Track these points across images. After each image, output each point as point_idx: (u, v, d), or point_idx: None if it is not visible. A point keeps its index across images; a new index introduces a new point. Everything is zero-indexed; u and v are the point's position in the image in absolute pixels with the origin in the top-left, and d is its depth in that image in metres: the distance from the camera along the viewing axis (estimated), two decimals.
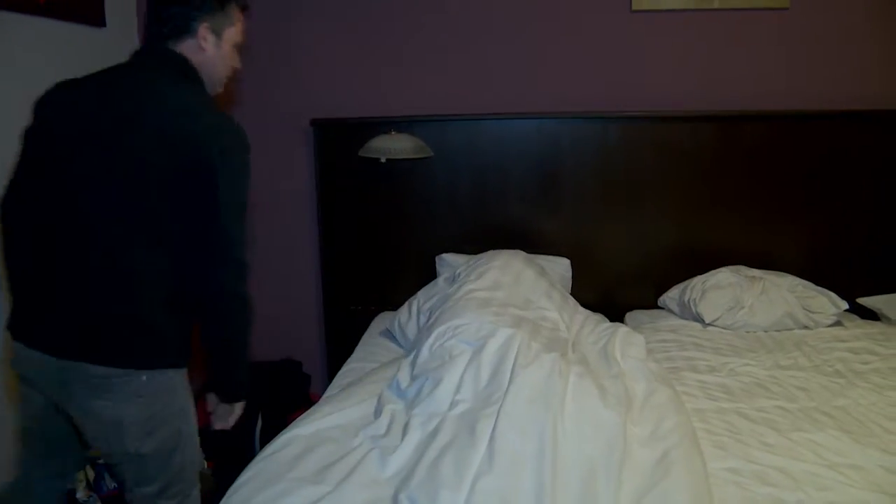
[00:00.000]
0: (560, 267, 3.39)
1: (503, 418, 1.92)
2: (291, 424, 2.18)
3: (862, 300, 3.31)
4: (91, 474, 2.72)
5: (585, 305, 3.32)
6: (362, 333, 3.19)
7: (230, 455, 2.99)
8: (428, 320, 2.69)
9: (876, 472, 1.96)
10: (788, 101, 3.37)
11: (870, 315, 3.30)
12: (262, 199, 3.52)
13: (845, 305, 3.14)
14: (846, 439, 2.14)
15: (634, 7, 3.34)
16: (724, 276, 3.24)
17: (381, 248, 3.50)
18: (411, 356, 2.40)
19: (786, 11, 3.32)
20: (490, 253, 3.16)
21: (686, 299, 3.22)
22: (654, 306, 3.42)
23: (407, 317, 2.96)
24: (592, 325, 2.82)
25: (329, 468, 1.93)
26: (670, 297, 3.34)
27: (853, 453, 2.06)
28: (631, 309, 3.45)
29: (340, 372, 2.77)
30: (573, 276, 3.41)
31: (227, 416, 2.07)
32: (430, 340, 2.39)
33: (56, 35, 2.82)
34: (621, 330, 2.71)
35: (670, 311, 3.33)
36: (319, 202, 3.49)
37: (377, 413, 2.19)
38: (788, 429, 2.21)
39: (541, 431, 1.87)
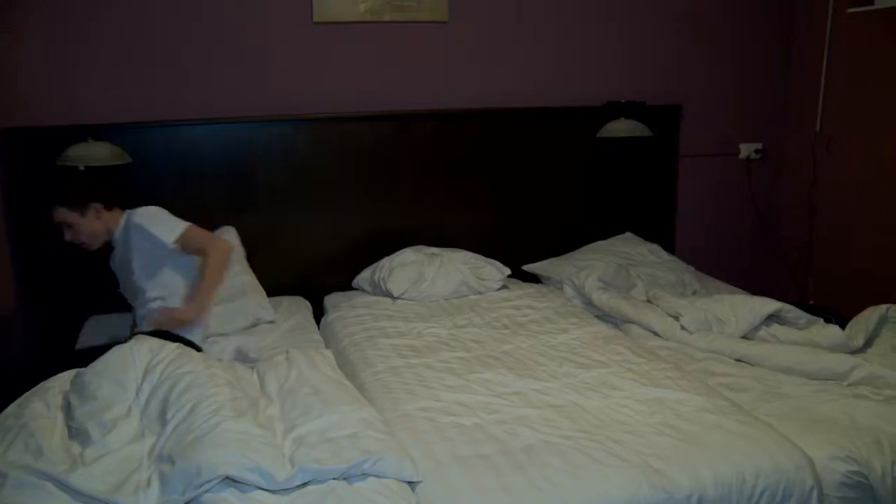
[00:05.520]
0: (228, 235, 3.49)
1: None
2: None
3: (525, 266, 3.89)
4: None
5: (286, 291, 3.61)
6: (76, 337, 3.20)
7: None
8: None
9: (530, 395, 2.46)
10: (452, 101, 3.85)
11: (532, 279, 3.88)
12: None
13: (508, 271, 3.69)
14: (510, 374, 2.61)
15: (315, 19, 3.62)
16: (407, 255, 3.63)
17: (86, 254, 3.44)
18: None
19: (445, 24, 3.79)
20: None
21: (376, 278, 3.57)
22: (350, 288, 3.73)
23: None
24: None
25: None
26: (363, 277, 3.68)
27: (515, 384, 2.54)
28: (329, 292, 3.73)
29: None
30: (273, 267, 3.60)
31: None
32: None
33: None
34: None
35: (364, 290, 3.66)
36: (11, 212, 3.38)
37: None
38: (465, 372, 2.64)
39: None
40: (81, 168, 3.20)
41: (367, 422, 2.15)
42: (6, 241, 3.42)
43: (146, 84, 3.49)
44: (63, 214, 2.84)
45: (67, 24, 3.35)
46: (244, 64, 3.59)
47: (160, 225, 2.87)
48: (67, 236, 2.88)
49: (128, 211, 2.95)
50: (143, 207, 2.91)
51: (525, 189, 3.97)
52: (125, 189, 3.41)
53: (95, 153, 3.20)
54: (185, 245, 2.86)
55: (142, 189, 3.44)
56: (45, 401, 2.28)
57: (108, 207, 2.91)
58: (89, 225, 2.87)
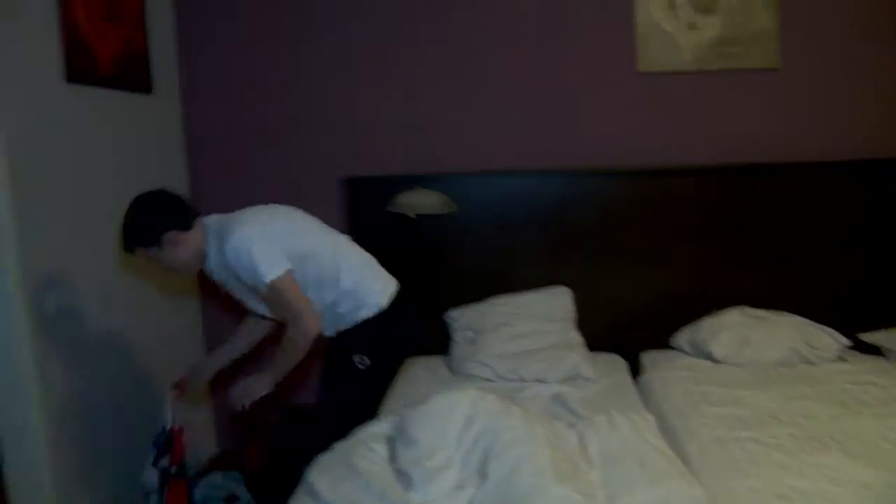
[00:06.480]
0: (559, 297, 3.60)
1: None
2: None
3: (863, 336, 3.51)
4: None
5: (599, 347, 3.57)
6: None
7: None
8: None
9: (879, 488, 2.18)
10: (785, 154, 3.63)
11: (870, 350, 3.49)
12: None
13: (847, 341, 3.37)
14: (852, 461, 2.34)
15: (640, 69, 3.61)
16: (731, 317, 3.45)
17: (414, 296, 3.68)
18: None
19: (777, 72, 3.61)
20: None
21: (697, 339, 3.43)
22: (665, 346, 3.62)
23: None
24: None
25: None
26: (682, 336, 3.55)
27: (858, 473, 2.27)
28: (641, 348, 3.64)
29: None
30: (586, 320, 3.60)
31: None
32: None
33: (112, 103, 3.12)
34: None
35: (682, 350, 3.53)
36: None
37: None
38: (798, 452, 2.42)
39: None
40: (413, 216, 3.41)
41: (698, 501, 2.05)
42: None
43: (470, 135, 3.71)
44: (141, 255, 2.52)
45: (400, 91, 3.69)
46: (564, 113, 3.68)
47: (261, 260, 2.44)
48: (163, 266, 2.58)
49: (204, 221, 2.59)
50: (236, 234, 2.46)
51: (862, 249, 3.62)
52: (449, 236, 3.62)
53: (424, 201, 3.40)
54: (271, 296, 2.51)
55: (462, 236, 3.65)
56: (369, 445, 2.41)
57: (183, 228, 2.51)
58: (171, 256, 2.51)
